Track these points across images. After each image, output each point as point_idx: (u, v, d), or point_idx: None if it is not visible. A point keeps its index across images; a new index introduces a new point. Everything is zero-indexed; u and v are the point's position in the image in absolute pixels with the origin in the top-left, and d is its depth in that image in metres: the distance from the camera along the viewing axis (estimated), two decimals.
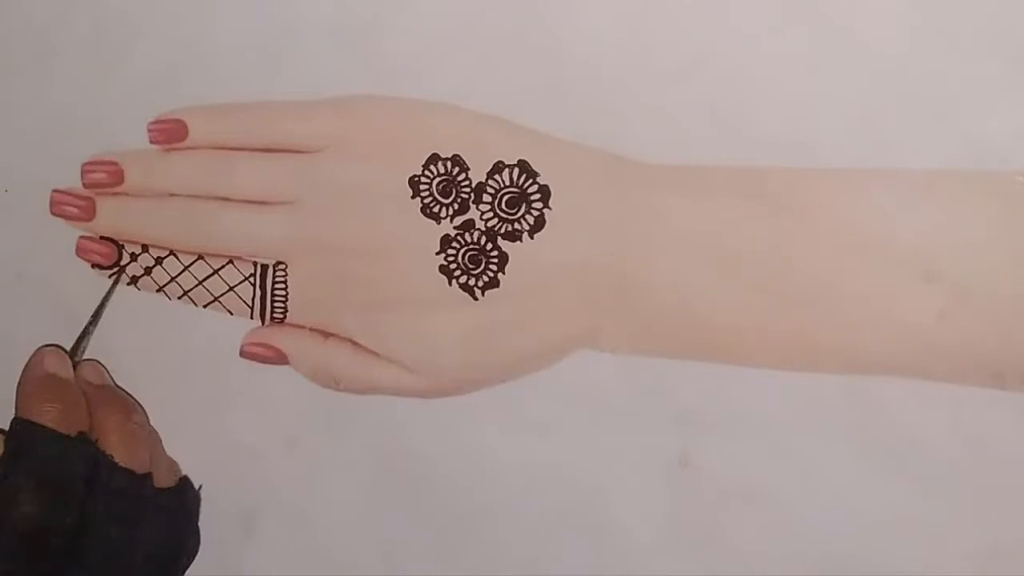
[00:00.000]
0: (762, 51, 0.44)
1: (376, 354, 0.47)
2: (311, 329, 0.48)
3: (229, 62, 0.49)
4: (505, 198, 0.46)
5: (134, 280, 0.49)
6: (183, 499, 0.47)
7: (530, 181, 0.46)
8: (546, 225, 0.46)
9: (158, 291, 0.49)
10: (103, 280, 0.49)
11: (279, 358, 0.48)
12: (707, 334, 0.45)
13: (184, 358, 0.50)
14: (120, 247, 0.49)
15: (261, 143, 0.48)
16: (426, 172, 0.46)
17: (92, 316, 0.49)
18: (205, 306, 0.49)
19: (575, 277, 0.46)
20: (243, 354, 0.49)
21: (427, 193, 0.46)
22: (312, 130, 0.47)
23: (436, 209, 0.46)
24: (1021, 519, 0.44)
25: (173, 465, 0.48)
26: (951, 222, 0.43)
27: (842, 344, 0.44)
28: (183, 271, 0.49)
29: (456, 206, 0.46)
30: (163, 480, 0.46)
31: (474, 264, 0.46)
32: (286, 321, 0.48)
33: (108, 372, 0.49)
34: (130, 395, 0.48)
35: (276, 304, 0.48)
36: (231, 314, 0.49)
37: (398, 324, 0.47)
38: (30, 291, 0.51)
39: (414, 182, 0.46)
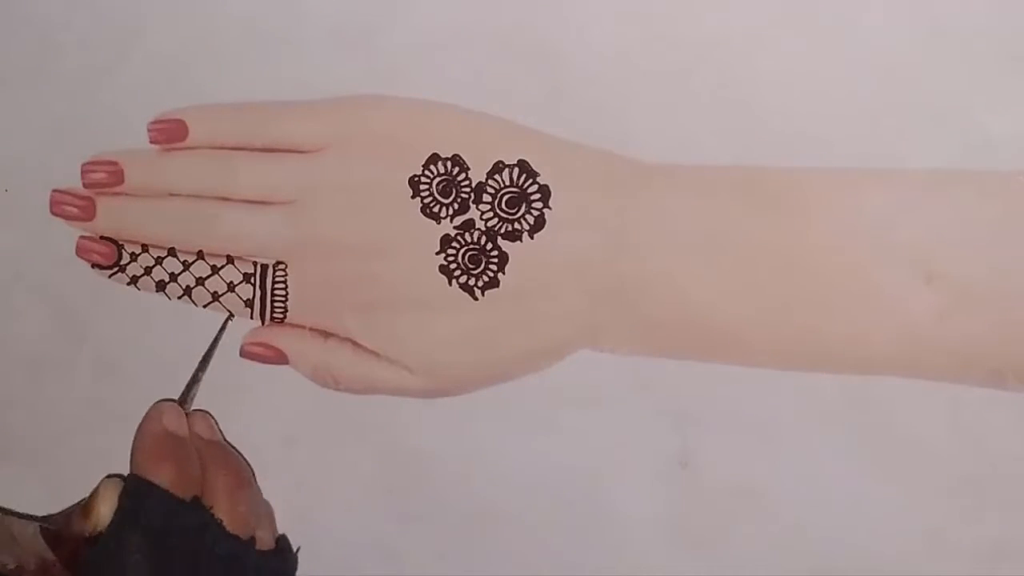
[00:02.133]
0: (762, 51, 0.44)
1: (376, 354, 0.47)
2: (311, 329, 0.48)
3: (229, 62, 0.49)
4: (505, 198, 0.46)
5: (134, 280, 0.49)
6: (283, 563, 0.47)
7: (530, 181, 0.46)
8: (546, 225, 0.46)
9: (158, 291, 0.49)
10: (103, 280, 0.49)
11: (279, 358, 0.48)
12: (707, 334, 0.45)
13: (184, 358, 0.50)
14: (120, 247, 0.49)
15: (261, 143, 0.48)
16: (426, 172, 0.46)
17: (201, 362, 0.48)
18: (205, 306, 0.49)
19: (575, 277, 0.46)
20: (243, 354, 0.49)
21: (427, 193, 0.46)
22: (312, 130, 0.47)
23: (436, 209, 0.46)
24: (1021, 519, 0.44)
25: (273, 522, 0.48)
26: (951, 222, 0.43)
27: (842, 344, 0.44)
28: (183, 271, 0.49)
29: (456, 206, 0.46)
30: (265, 542, 0.46)
31: (474, 264, 0.46)
32: (286, 321, 0.48)
33: (217, 424, 0.49)
34: (236, 450, 0.48)
35: (276, 304, 0.48)
36: (231, 314, 0.49)
37: (398, 324, 0.47)
38: (30, 291, 0.51)
39: (414, 182, 0.46)
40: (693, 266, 0.45)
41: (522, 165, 0.46)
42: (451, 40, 0.47)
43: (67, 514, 0.44)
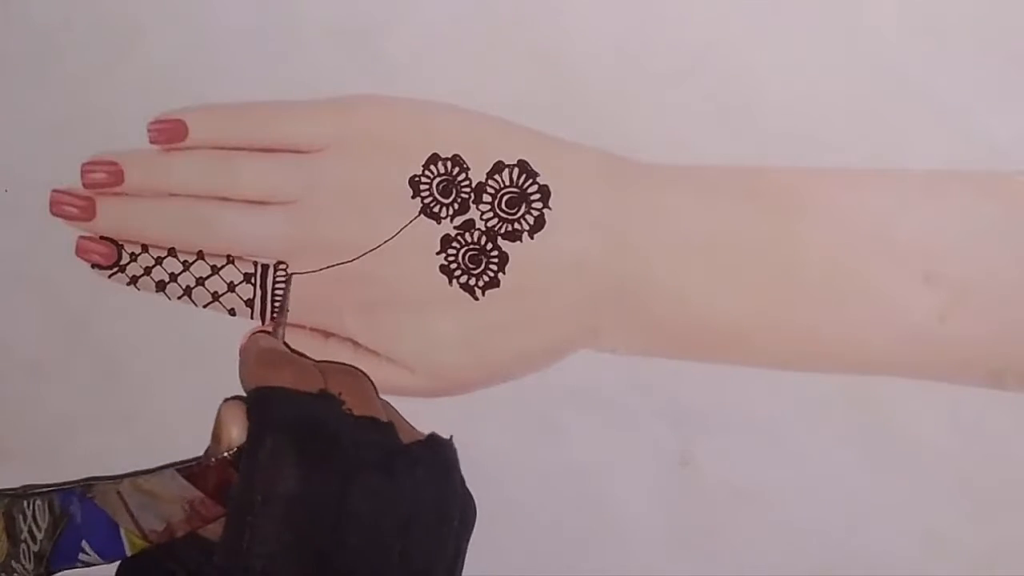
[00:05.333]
0: (762, 51, 0.44)
1: (376, 354, 0.47)
2: (311, 329, 0.48)
3: (229, 62, 0.49)
4: (505, 198, 0.46)
5: (134, 280, 0.49)
6: (439, 449, 0.43)
7: (530, 181, 0.46)
8: (546, 225, 0.46)
9: (158, 291, 0.49)
10: (103, 280, 0.49)
11: None
12: (707, 334, 0.45)
13: (183, 358, 0.50)
14: (120, 247, 0.49)
15: (261, 143, 0.48)
16: (426, 172, 0.46)
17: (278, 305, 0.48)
18: (205, 306, 0.49)
19: (575, 277, 0.46)
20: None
21: (427, 193, 0.46)
22: (312, 130, 0.47)
23: (436, 209, 0.46)
24: (1021, 519, 0.44)
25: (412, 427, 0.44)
26: (951, 222, 0.43)
27: (842, 344, 0.44)
28: (183, 271, 0.49)
29: (456, 206, 0.46)
30: (408, 436, 0.42)
31: (474, 264, 0.46)
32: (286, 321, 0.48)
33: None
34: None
35: (276, 304, 0.48)
36: (231, 314, 0.49)
37: (398, 324, 0.47)
38: (30, 291, 0.51)
39: (414, 182, 0.46)
40: (693, 266, 0.45)
41: (522, 165, 0.46)
42: (451, 40, 0.47)
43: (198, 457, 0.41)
